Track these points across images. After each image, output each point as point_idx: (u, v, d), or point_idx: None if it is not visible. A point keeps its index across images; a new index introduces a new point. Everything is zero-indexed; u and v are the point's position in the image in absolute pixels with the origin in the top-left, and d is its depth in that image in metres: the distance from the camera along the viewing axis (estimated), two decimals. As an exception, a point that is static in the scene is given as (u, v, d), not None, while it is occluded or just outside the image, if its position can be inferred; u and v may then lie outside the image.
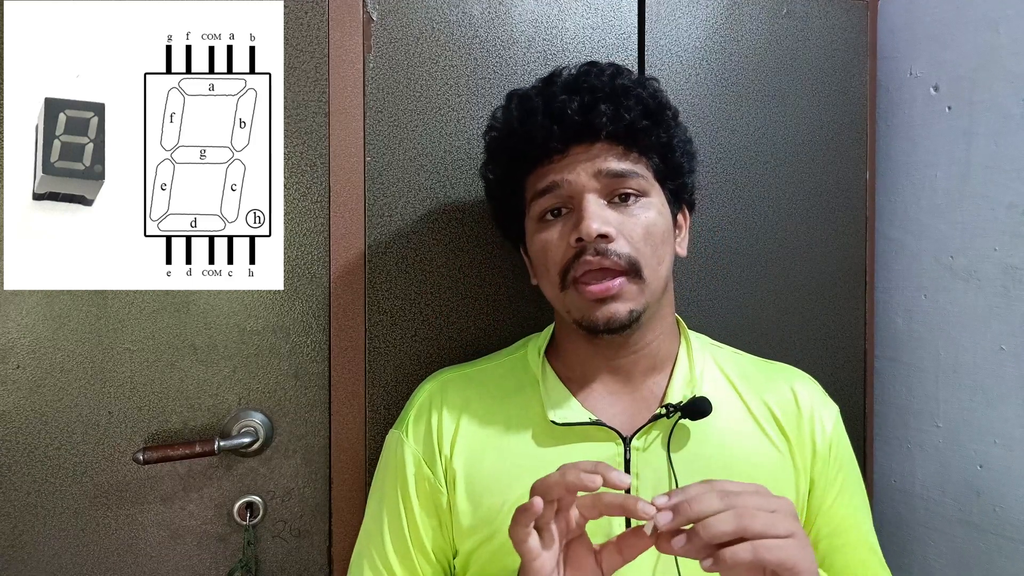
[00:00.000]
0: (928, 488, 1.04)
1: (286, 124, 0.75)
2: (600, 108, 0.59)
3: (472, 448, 0.64)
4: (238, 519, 0.75)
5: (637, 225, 0.60)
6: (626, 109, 0.60)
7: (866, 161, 1.04)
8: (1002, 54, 0.95)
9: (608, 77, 0.61)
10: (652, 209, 0.61)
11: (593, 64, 0.64)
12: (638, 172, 0.61)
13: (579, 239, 0.58)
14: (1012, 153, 0.94)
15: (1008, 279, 0.94)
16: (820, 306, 1.01)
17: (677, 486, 0.61)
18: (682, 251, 0.68)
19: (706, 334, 0.76)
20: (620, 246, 0.58)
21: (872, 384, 1.06)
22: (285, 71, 0.75)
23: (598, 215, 0.58)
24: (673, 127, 0.64)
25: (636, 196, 0.61)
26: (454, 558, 0.66)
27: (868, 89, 1.03)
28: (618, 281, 0.58)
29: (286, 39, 0.75)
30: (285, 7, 0.75)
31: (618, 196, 0.60)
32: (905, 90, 1.07)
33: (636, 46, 0.90)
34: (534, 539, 0.47)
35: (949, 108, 1.02)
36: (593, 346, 0.65)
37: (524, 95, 0.64)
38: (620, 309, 0.59)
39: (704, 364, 0.68)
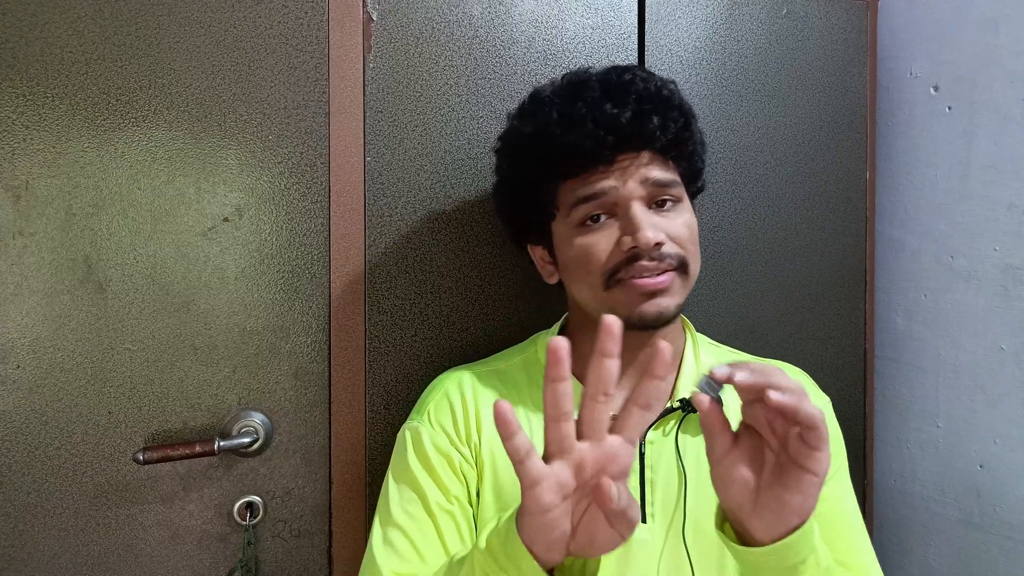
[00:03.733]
0: (928, 488, 1.04)
1: (286, 124, 0.75)
2: (652, 119, 0.60)
3: (494, 440, 0.65)
4: (238, 519, 0.74)
5: (682, 227, 0.62)
6: (672, 120, 0.61)
7: (866, 161, 1.04)
8: (1002, 54, 0.95)
9: (655, 86, 0.62)
10: (688, 212, 0.64)
11: (627, 69, 0.64)
12: (678, 180, 0.63)
13: (634, 246, 0.59)
14: (1012, 153, 0.94)
15: (1008, 279, 0.94)
16: (820, 306, 1.01)
17: (686, 478, 0.63)
18: None
19: (707, 334, 0.77)
20: (670, 249, 0.61)
21: (872, 384, 1.06)
22: (285, 71, 0.75)
23: (650, 224, 0.60)
24: (697, 133, 0.66)
25: (673, 201, 0.63)
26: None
27: (868, 89, 1.03)
28: (668, 276, 0.60)
29: (286, 39, 0.75)
30: (285, 7, 0.75)
31: (655, 202, 0.62)
32: (905, 90, 1.07)
33: (636, 46, 0.90)
34: (536, 460, 0.42)
35: (949, 108, 1.02)
36: None
37: (563, 98, 0.62)
38: (669, 304, 0.61)
39: (707, 361, 0.70)
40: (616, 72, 0.63)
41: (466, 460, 0.64)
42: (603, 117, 0.59)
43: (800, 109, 0.99)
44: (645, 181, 0.61)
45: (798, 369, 0.74)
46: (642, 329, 0.62)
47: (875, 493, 1.10)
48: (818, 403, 0.68)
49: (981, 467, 0.97)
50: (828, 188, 1.01)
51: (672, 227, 0.61)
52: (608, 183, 0.60)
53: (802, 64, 0.99)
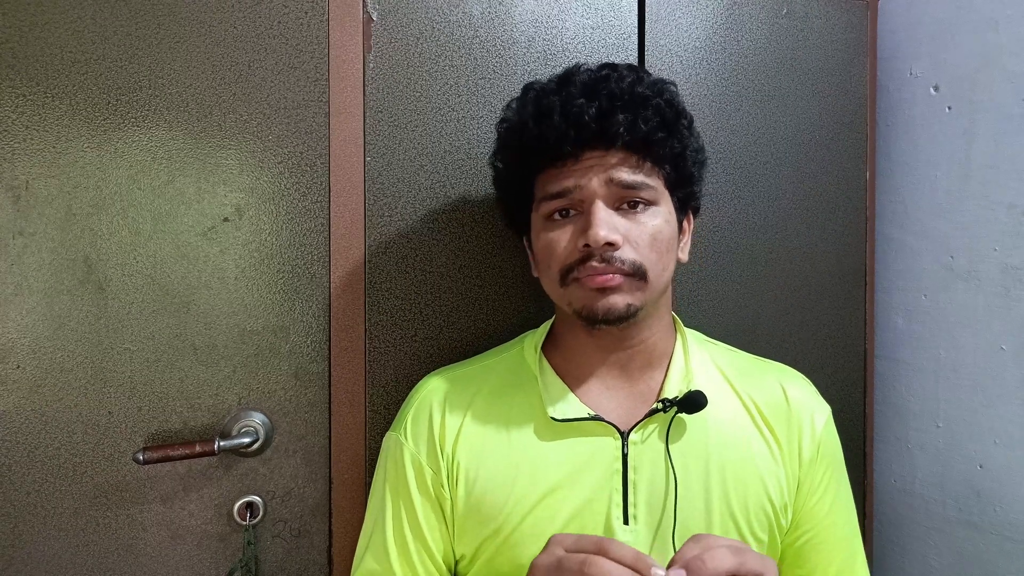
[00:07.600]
0: (928, 488, 1.04)
1: (286, 124, 0.75)
2: (617, 117, 0.58)
3: (474, 446, 0.65)
4: (238, 519, 0.74)
5: (644, 232, 0.60)
6: (643, 119, 0.59)
7: (866, 161, 1.04)
8: (1002, 54, 0.95)
9: (628, 84, 0.60)
10: (659, 217, 0.61)
11: (613, 67, 0.63)
12: (649, 183, 0.61)
13: (586, 244, 0.59)
14: (1012, 153, 0.94)
15: (1008, 279, 0.94)
16: (820, 306, 1.01)
17: (676, 480, 0.62)
18: (684, 256, 0.68)
19: (706, 334, 0.76)
20: (626, 253, 0.59)
21: (872, 384, 1.06)
22: (285, 71, 0.75)
23: (606, 222, 0.58)
24: (687, 136, 0.64)
25: (645, 204, 0.61)
26: (455, 557, 0.66)
27: (868, 89, 1.03)
28: (619, 277, 0.59)
29: (286, 39, 0.75)
30: (285, 7, 0.75)
31: (627, 203, 0.61)
32: (905, 90, 1.07)
33: (636, 46, 0.90)
34: None
35: (949, 108, 1.02)
36: (592, 339, 0.66)
37: (541, 91, 0.63)
38: (619, 301, 0.59)
39: (699, 359, 0.69)
40: (602, 68, 0.63)
41: (439, 480, 0.65)
42: (570, 112, 0.59)
43: (800, 109, 0.99)
44: (610, 181, 0.59)
45: (799, 374, 0.73)
46: (594, 325, 0.62)
47: (875, 493, 1.10)
48: (818, 412, 0.69)
49: (981, 467, 0.97)
50: (828, 188, 1.01)
51: (635, 231, 0.60)
52: (573, 180, 0.60)
53: (802, 64, 0.99)
